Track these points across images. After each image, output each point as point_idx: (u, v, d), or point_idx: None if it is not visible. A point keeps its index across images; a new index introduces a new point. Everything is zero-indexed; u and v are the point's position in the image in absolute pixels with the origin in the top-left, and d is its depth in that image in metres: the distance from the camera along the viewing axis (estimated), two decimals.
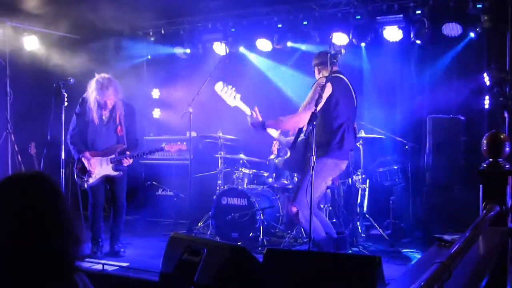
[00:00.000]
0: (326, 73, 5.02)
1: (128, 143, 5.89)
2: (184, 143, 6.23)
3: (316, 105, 4.61)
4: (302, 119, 4.76)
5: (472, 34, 6.76)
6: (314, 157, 4.41)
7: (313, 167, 4.53)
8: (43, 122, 7.61)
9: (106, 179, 5.89)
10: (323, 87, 4.71)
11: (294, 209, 4.85)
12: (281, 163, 5.51)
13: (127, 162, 5.80)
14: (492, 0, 6.49)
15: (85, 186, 5.79)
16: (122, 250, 5.87)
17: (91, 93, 5.73)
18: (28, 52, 8.42)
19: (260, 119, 4.96)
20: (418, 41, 7.13)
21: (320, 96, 4.60)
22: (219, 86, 5.17)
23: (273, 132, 5.30)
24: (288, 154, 5.25)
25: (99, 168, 5.76)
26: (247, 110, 5.04)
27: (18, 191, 1.80)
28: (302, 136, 4.83)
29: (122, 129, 5.86)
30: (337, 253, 5.18)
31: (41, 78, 8.24)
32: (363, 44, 7.48)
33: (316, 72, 5.21)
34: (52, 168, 7.16)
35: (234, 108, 8.19)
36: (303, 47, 7.95)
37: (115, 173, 5.82)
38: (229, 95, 5.13)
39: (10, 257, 1.71)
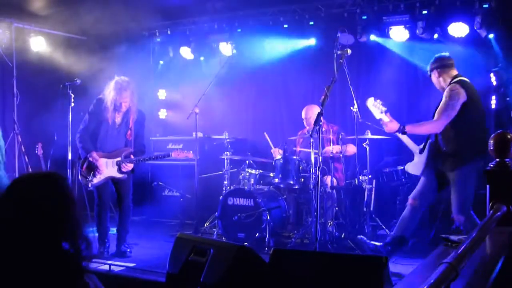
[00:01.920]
0: (447, 77, 5.13)
1: (135, 149, 5.93)
2: (191, 151, 6.22)
3: (320, 107, 4.62)
4: (439, 126, 4.96)
5: (478, 34, 6.72)
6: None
7: (319, 168, 4.55)
8: (50, 123, 7.66)
9: (112, 181, 5.92)
10: (457, 93, 4.86)
11: (463, 218, 4.92)
12: (409, 168, 5.57)
13: (126, 167, 5.83)
14: (498, 0, 6.46)
15: (89, 186, 5.81)
16: (128, 250, 5.89)
17: (109, 93, 5.75)
18: (35, 53, 8.46)
19: (397, 124, 5.07)
20: (424, 41, 7.10)
21: (454, 103, 4.83)
22: (370, 101, 5.41)
23: (405, 139, 5.40)
24: (416, 159, 5.34)
25: (105, 169, 5.78)
26: (387, 119, 5.15)
27: (32, 191, 1.81)
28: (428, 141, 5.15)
29: (131, 133, 5.91)
30: (343, 253, 5.18)
31: (47, 79, 8.27)
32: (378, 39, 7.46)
33: (435, 76, 5.25)
34: (58, 168, 7.20)
35: (240, 110, 8.22)
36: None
37: (120, 175, 5.85)
38: (377, 108, 5.30)
39: (22, 257, 1.72)
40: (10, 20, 7.90)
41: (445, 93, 5.01)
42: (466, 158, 4.88)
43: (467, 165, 4.87)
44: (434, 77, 5.26)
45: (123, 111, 5.84)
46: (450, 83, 5.05)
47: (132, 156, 5.86)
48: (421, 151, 5.25)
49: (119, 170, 5.83)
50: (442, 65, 5.18)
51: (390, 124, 5.09)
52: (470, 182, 4.92)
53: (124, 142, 5.91)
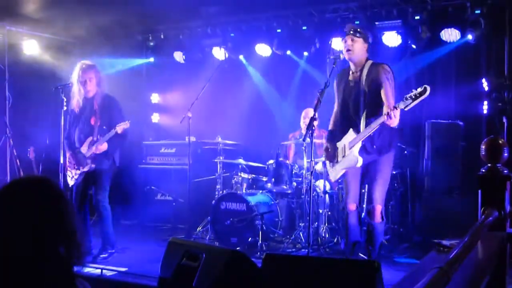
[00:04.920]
0: (366, 54, 4.98)
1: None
2: (128, 121, 5.88)
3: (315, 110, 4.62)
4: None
5: (470, 39, 6.76)
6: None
7: (312, 172, 4.54)
8: (42, 126, 7.62)
9: (90, 178, 5.84)
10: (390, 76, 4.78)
11: (379, 207, 4.88)
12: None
13: (97, 150, 5.66)
14: (490, 5, 6.51)
15: (70, 186, 5.81)
16: (105, 256, 5.71)
17: (75, 75, 5.75)
18: (27, 56, 8.43)
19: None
20: (415, 46, 7.13)
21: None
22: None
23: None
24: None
25: (76, 165, 5.80)
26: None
27: (25, 195, 1.80)
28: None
29: (96, 119, 5.77)
30: (336, 258, 5.18)
31: (40, 82, 8.24)
32: None
33: (363, 45, 4.92)
34: (50, 172, 7.17)
35: (233, 114, 8.23)
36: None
37: (86, 168, 5.76)
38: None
39: (14, 261, 1.71)
40: (3, 23, 7.87)
41: (386, 75, 4.80)
42: (390, 146, 4.83)
43: (390, 152, 4.85)
44: (361, 44, 4.93)
45: (90, 95, 5.77)
46: (374, 63, 4.93)
47: (94, 146, 5.67)
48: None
49: (86, 163, 5.75)
50: (371, 42, 5.09)
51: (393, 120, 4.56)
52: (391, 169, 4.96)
53: (90, 128, 5.77)
